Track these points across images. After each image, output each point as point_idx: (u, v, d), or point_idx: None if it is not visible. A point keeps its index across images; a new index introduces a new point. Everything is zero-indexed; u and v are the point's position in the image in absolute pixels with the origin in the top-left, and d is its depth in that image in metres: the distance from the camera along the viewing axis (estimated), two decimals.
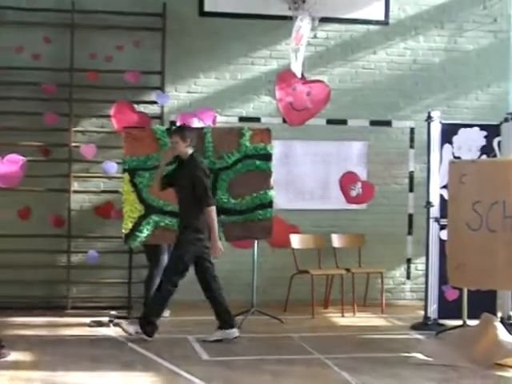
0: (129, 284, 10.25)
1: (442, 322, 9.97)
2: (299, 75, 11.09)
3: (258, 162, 9.95)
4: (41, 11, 10.82)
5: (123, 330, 8.99)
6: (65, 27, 10.92)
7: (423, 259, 10.50)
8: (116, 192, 10.67)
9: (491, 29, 11.98)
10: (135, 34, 11.03)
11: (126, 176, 9.72)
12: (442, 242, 9.91)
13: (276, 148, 10.71)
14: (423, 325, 10.01)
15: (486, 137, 10.20)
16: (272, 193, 9.98)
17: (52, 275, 11.00)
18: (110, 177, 10.91)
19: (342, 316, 10.64)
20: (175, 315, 10.48)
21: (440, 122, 10.11)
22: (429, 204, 10.05)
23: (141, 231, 9.64)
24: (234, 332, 9.01)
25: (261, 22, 11.37)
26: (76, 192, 10.95)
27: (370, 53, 11.77)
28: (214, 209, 8.98)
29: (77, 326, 9.75)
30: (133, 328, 8.93)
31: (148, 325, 8.93)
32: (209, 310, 10.58)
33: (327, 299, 11.18)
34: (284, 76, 11.40)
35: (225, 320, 9.06)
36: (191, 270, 9.18)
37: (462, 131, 10.18)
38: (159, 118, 11.08)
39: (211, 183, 9.73)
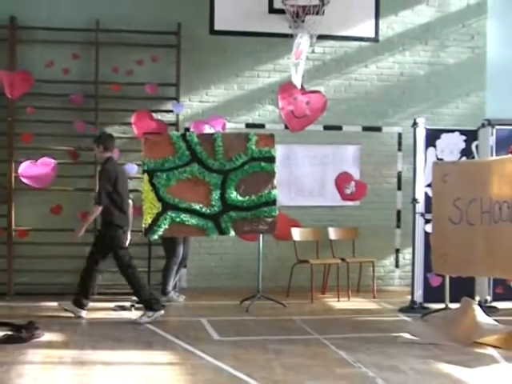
0: (148, 273, 10.24)
1: (426, 305, 9.96)
2: (299, 86, 11.12)
3: (263, 164, 9.94)
4: (69, 31, 10.83)
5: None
6: (90, 45, 10.95)
7: (410, 250, 10.51)
8: (136, 191, 10.69)
9: (469, 45, 11.97)
10: (153, 51, 11.04)
11: (146, 176, 9.71)
12: (426, 235, 9.92)
13: (279, 151, 10.71)
14: (410, 308, 10.00)
15: (465, 141, 10.20)
16: (276, 192, 9.97)
17: (80, 265, 10.93)
18: (131, 177, 10.92)
19: (338, 301, 10.63)
20: (189, 300, 10.52)
21: (424, 128, 10.11)
22: (415, 200, 10.06)
23: (159, 226, 9.64)
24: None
25: (265, 39, 11.37)
26: None
27: (362, 66, 11.76)
28: (97, 208, 9.15)
29: (102, 310, 9.78)
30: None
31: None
32: (219, 296, 10.67)
33: (325, 286, 11.18)
34: (286, 87, 11.41)
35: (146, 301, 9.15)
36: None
37: (444, 136, 10.18)
38: (175, 124, 11.10)
39: (221, 183, 9.76)
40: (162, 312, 9.02)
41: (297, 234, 11.10)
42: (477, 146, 10.18)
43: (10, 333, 7.96)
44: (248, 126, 11.39)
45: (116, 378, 6.62)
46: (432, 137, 10.12)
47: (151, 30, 11.00)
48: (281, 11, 10.97)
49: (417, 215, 10.04)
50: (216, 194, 9.79)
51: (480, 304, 9.27)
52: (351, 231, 11.41)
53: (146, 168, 9.71)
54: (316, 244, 11.19)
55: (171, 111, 11.09)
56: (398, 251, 11.79)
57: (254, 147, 9.97)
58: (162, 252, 10.80)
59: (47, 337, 8.02)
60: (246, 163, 9.92)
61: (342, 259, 11.01)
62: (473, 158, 10.10)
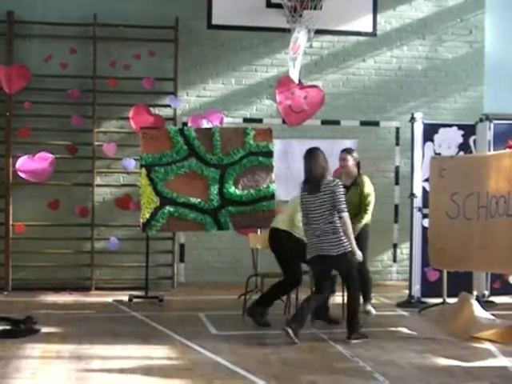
0: (146, 267, 10.24)
1: (424, 300, 9.97)
2: (297, 81, 11.11)
3: (260, 158, 9.92)
4: (67, 25, 10.83)
5: None
6: (88, 39, 10.94)
7: (408, 244, 10.52)
8: (134, 185, 10.70)
9: (467, 40, 11.98)
10: (150, 45, 11.04)
11: (143, 171, 9.71)
12: (424, 229, 9.92)
13: (276, 146, 10.68)
14: (408, 303, 10.00)
15: (463, 135, 10.20)
16: (274, 186, 9.95)
17: (78, 260, 11.04)
18: (128, 172, 10.95)
19: (336, 295, 10.62)
20: (187, 295, 10.53)
21: (422, 122, 10.10)
22: (412, 195, 10.06)
23: (157, 220, 9.63)
24: None
25: (263, 34, 11.38)
26: (99, 186, 10.98)
27: (359, 61, 11.76)
28: None
29: (100, 305, 9.79)
30: None
31: None
32: (217, 290, 10.66)
33: None
34: (283, 81, 11.39)
35: None
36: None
37: (441, 130, 10.18)
38: (172, 119, 11.10)
39: (219, 177, 9.74)
40: None
41: None
42: (474, 141, 10.18)
43: (7, 327, 7.97)
44: (246, 120, 11.38)
45: (114, 373, 6.61)
46: (430, 131, 10.12)
47: (149, 25, 11.00)
48: (278, 6, 10.98)
49: (414, 210, 10.04)
50: (214, 189, 9.78)
51: (477, 299, 9.27)
52: None
53: (144, 162, 9.70)
54: None
55: (169, 106, 11.08)
56: (395, 246, 11.79)
57: (251, 142, 9.95)
58: (160, 246, 10.81)
59: (45, 331, 8.01)
60: (243, 158, 9.90)
61: None
62: (470, 152, 10.10)
